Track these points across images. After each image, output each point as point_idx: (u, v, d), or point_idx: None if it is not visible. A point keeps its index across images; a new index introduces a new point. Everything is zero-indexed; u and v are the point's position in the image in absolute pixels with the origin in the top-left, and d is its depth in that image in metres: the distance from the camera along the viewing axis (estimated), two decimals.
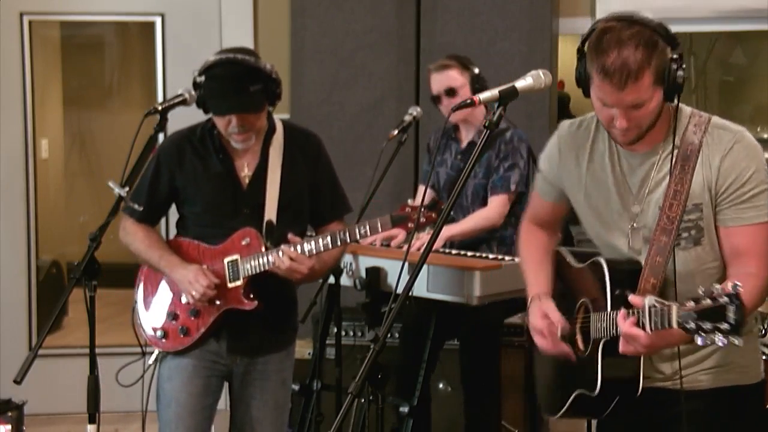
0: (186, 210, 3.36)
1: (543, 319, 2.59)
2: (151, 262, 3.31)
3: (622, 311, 2.30)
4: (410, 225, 3.11)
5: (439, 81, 4.26)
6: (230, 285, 3.24)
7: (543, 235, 2.82)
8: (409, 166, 5.24)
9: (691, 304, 2.11)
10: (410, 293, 2.36)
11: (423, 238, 3.89)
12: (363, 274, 3.88)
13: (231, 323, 3.28)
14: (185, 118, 3.34)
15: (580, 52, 2.42)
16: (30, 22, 5.64)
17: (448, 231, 4.09)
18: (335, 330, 3.99)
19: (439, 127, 4.40)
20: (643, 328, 2.25)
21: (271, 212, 3.27)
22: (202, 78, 3.16)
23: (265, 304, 3.24)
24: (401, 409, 3.88)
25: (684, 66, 2.34)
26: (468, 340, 4.24)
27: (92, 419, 2.98)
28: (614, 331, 2.36)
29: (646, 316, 2.23)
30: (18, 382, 2.83)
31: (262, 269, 3.19)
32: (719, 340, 2.06)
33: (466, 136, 4.34)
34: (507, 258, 3.90)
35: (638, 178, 2.49)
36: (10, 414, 4.68)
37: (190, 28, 5.58)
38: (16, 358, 4.59)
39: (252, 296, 3.23)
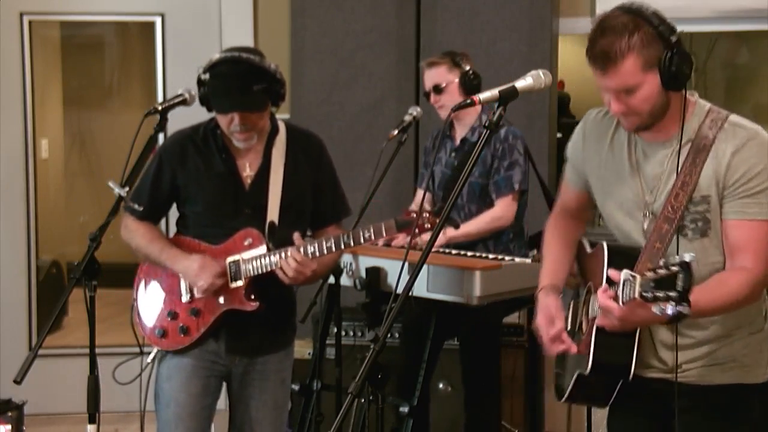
0: (187, 209, 3.36)
1: (543, 317, 2.62)
2: (153, 255, 3.30)
3: (604, 286, 2.36)
4: (416, 231, 3.10)
5: (428, 77, 4.31)
6: (232, 285, 3.24)
7: (569, 225, 2.84)
8: (409, 166, 5.24)
9: (651, 274, 2.18)
10: (410, 293, 2.36)
11: (425, 238, 3.89)
12: (363, 274, 3.88)
13: (230, 323, 3.28)
14: (185, 118, 3.33)
15: None
16: (30, 22, 5.64)
17: (459, 230, 4.09)
18: (335, 330, 3.98)
19: (438, 128, 4.41)
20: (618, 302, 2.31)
21: (273, 213, 3.26)
22: (207, 75, 3.17)
23: (264, 305, 3.23)
24: (401, 409, 3.88)
25: (684, 54, 2.38)
26: (468, 340, 4.25)
27: (92, 419, 2.98)
28: None
29: (620, 289, 2.28)
30: (18, 382, 2.83)
31: (265, 270, 3.19)
32: (670, 308, 2.12)
33: (459, 133, 4.35)
34: (507, 258, 3.91)
35: (652, 168, 2.53)
36: (10, 414, 4.68)
37: (190, 28, 5.58)
38: (16, 358, 4.58)
39: (253, 297, 3.23)
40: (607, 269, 2.42)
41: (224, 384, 3.40)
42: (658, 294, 2.15)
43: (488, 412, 4.26)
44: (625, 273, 2.28)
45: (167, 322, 3.30)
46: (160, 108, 3.15)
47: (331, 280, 3.93)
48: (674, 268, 2.13)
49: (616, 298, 2.31)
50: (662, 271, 2.16)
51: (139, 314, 3.37)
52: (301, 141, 3.38)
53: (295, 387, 3.96)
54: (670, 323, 2.41)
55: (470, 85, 4.19)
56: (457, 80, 4.25)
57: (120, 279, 4.12)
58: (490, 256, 3.99)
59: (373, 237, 3.14)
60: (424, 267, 2.86)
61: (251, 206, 3.27)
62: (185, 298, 3.28)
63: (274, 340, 3.37)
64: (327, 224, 3.37)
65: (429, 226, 3.06)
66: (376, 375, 2.80)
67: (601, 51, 2.37)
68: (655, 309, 2.16)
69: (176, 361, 3.31)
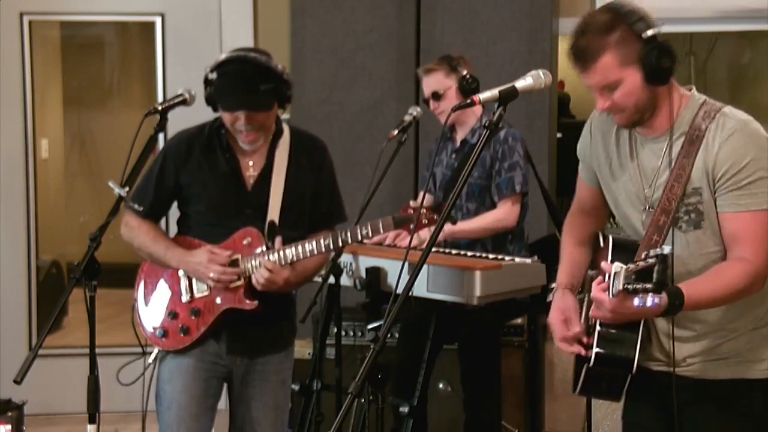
0: (189, 208, 3.36)
1: (557, 316, 2.65)
2: (157, 254, 3.30)
3: (599, 278, 2.40)
4: (412, 226, 3.10)
5: (426, 84, 4.33)
6: (231, 285, 3.24)
7: (585, 222, 2.86)
8: (409, 167, 5.24)
9: (633, 266, 2.23)
10: (410, 293, 2.36)
11: (424, 235, 3.89)
12: (363, 274, 3.88)
13: (230, 324, 3.28)
14: (185, 118, 3.33)
15: None
16: (30, 22, 5.65)
17: (457, 226, 4.10)
18: (335, 330, 3.98)
19: (439, 129, 4.41)
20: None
21: (274, 214, 3.27)
22: (214, 74, 3.17)
23: (264, 305, 3.23)
24: (401, 409, 3.88)
25: (663, 48, 2.42)
26: (468, 340, 4.25)
27: (92, 419, 2.98)
28: None
29: (611, 281, 2.31)
30: (18, 382, 2.83)
31: None
32: (650, 299, 2.20)
33: (460, 135, 4.35)
34: (507, 258, 3.91)
35: (649, 161, 2.56)
36: (10, 414, 4.69)
37: (190, 28, 5.59)
38: (16, 358, 4.60)
39: (252, 296, 3.23)
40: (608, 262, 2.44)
41: (225, 385, 3.40)
42: (637, 286, 2.21)
43: (488, 412, 4.25)
44: (615, 266, 2.31)
45: (168, 322, 3.30)
46: (160, 108, 3.15)
47: (331, 280, 3.93)
48: (651, 261, 2.19)
49: (607, 290, 2.34)
50: (642, 263, 2.22)
51: (139, 314, 3.37)
52: (305, 144, 3.38)
53: (295, 387, 3.96)
54: (664, 316, 2.43)
55: (468, 90, 4.19)
56: (455, 85, 4.25)
57: (120, 279, 4.13)
58: (490, 256, 3.99)
59: (370, 234, 3.15)
60: (424, 267, 2.86)
61: (253, 206, 3.28)
62: (185, 297, 3.28)
63: (275, 340, 3.37)
64: (319, 229, 3.34)
65: (427, 222, 3.07)
66: (376, 375, 2.80)
67: (579, 50, 2.45)
68: (636, 301, 2.22)
69: (177, 362, 3.31)
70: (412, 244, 3.81)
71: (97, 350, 2.99)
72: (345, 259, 3.90)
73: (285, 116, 3.51)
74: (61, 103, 7.05)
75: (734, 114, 2.50)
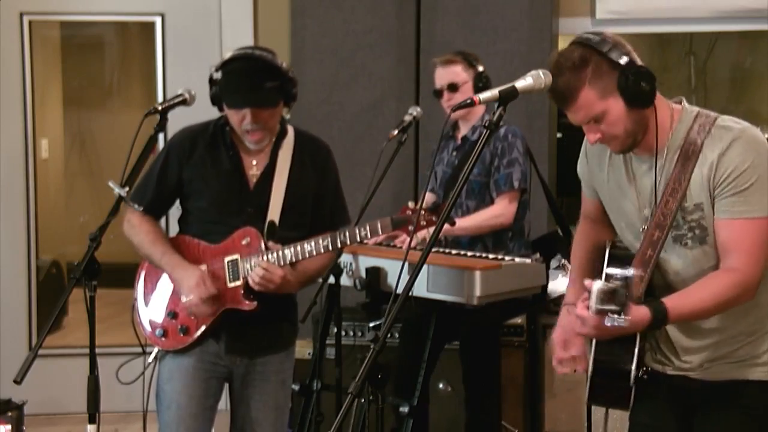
0: (190, 205, 3.35)
1: (560, 336, 2.68)
2: (153, 257, 3.30)
3: (584, 294, 2.39)
4: (411, 228, 3.10)
5: (442, 75, 4.30)
6: (230, 285, 3.24)
7: (593, 230, 2.85)
8: (409, 166, 5.24)
9: (604, 286, 2.27)
10: (410, 293, 2.36)
11: (422, 234, 3.88)
12: (363, 274, 3.88)
13: (230, 324, 3.28)
14: (185, 118, 3.34)
15: None
16: (30, 22, 5.65)
17: (456, 225, 4.09)
18: (335, 330, 3.98)
19: (439, 129, 4.41)
20: None
21: (274, 213, 3.27)
22: (219, 73, 3.18)
23: (264, 305, 3.23)
24: (401, 409, 3.88)
25: (640, 71, 2.41)
26: (468, 340, 4.25)
27: (92, 419, 2.98)
28: None
29: (592, 299, 2.32)
30: (18, 382, 2.83)
31: None
32: (616, 321, 2.25)
33: (462, 133, 4.36)
34: (507, 258, 3.91)
35: (646, 181, 2.55)
36: (10, 414, 4.69)
37: (190, 28, 5.58)
38: (16, 358, 4.60)
39: (251, 296, 3.23)
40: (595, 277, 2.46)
41: (226, 385, 3.40)
42: (605, 307, 2.25)
43: (488, 412, 4.25)
44: (596, 283, 2.32)
45: (167, 322, 3.31)
46: (160, 108, 3.15)
47: (331, 280, 3.93)
48: (617, 282, 2.24)
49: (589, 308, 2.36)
50: (610, 285, 2.26)
51: (139, 314, 3.37)
52: (309, 146, 3.38)
53: (295, 387, 3.96)
54: (651, 330, 2.46)
55: (485, 86, 4.18)
56: (471, 81, 4.25)
57: (120, 279, 4.13)
58: (490, 256, 3.99)
59: (369, 235, 3.15)
60: (424, 267, 2.86)
61: (254, 205, 3.28)
62: (185, 298, 3.28)
63: (274, 340, 3.37)
64: (321, 232, 3.33)
65: (425, 223, 3.07)
66: (376, 375, 2.80)
67: (558, 90, 2.45)
68: (607, 321, 2.26)
69: (177, 362, 3.31)
70: (413, 243, 3.82)
71: (97, 350, 2.99)
72: (345, 259, 3.90)
73: (284, 116, 3.51)
74: (61, 103, 7.06)
75: (729, 124, 2.48)
